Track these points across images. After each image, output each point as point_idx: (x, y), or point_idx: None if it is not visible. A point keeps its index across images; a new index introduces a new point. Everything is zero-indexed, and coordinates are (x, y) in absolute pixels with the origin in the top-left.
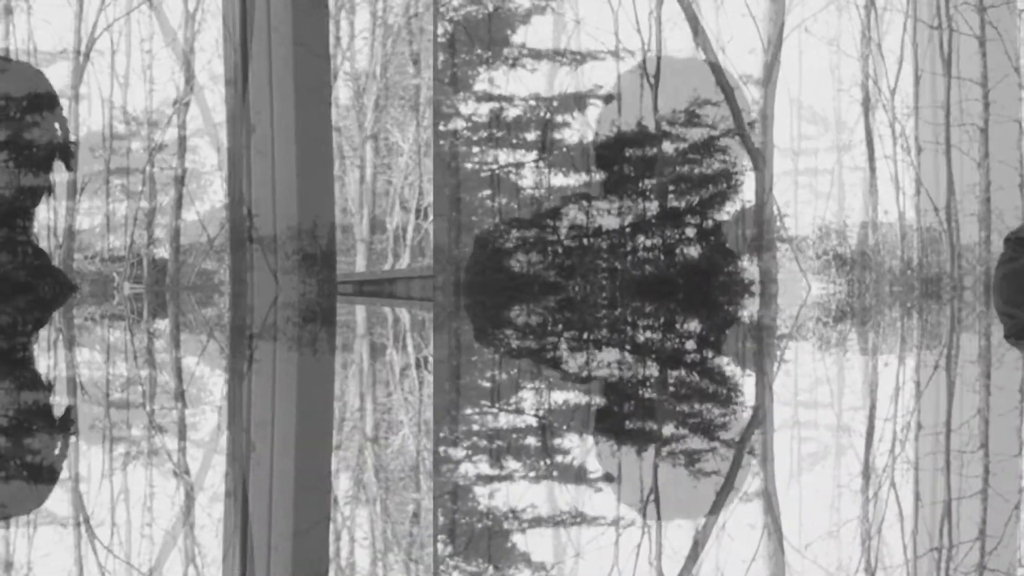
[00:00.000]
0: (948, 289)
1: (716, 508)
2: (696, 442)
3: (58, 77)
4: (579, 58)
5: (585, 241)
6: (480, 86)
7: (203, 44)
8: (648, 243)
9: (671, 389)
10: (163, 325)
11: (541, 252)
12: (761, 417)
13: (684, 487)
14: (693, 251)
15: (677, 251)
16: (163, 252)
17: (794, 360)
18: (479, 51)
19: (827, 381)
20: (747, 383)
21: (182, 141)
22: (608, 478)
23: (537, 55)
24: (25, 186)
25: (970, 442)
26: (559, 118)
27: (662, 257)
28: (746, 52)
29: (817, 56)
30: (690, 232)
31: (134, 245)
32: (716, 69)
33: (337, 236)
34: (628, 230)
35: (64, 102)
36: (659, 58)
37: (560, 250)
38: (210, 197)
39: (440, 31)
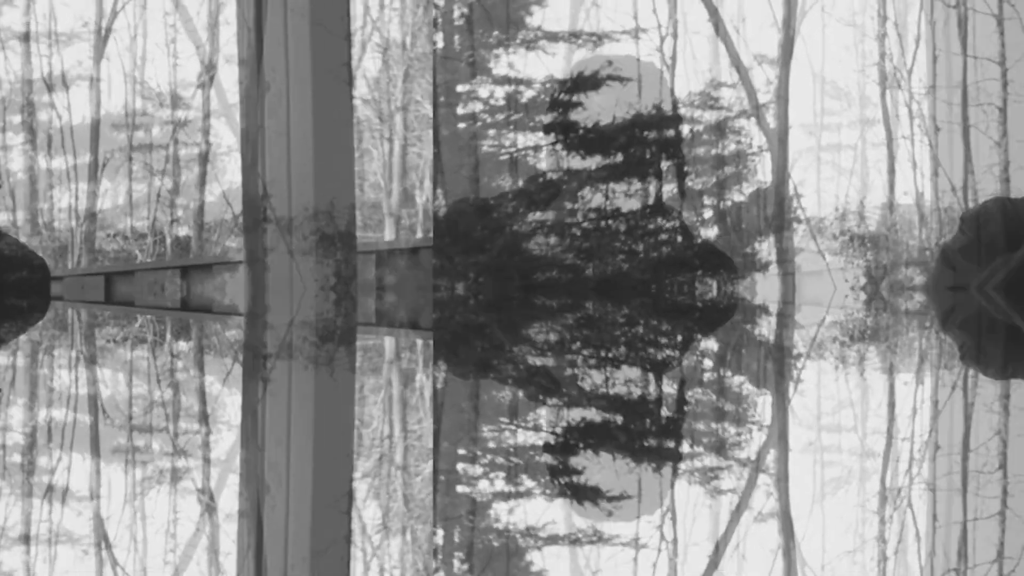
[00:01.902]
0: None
1: (731, 527)
2: (711, 459)
3: (79, 53)
4: (596, 39)
5: (603, 223)
6: (499, 69)
7: (227, 17)
8: (667, 225)
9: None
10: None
11: (559, 235)
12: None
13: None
14: (711, 232)
15: (695, 232)
16: (186, 230)
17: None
18: (496, 32)
19: (844, 402)
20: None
21: (206, 118)
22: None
23: (554, 37)
24: None
25: (987, 463)
26: (575, 99)
27: (679, 239)
28: (761, 31)
29: (837, 33)
30: (707, 213)
31: (157, 223)
32: (731, 49)
33: (364, 213)
34: (647, 211)
35: (85, 80)
36: (676, 39)
37: (579, 232)
38: (230, 176)
39: (456, 13)
